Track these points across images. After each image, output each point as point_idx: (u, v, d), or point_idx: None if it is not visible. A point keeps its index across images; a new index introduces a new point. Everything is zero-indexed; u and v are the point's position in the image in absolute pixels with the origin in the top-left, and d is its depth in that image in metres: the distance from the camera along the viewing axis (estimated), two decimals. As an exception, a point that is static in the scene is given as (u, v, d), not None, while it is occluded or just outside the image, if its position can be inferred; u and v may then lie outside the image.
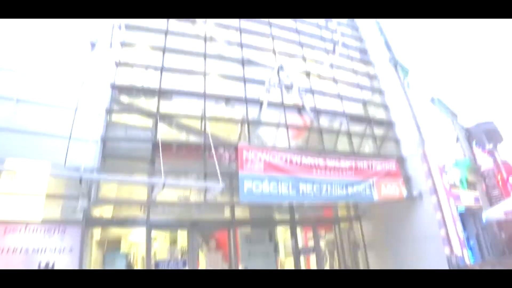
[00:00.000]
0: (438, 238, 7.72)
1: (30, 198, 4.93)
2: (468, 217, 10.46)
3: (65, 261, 4.85)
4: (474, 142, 14.71)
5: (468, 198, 10.63)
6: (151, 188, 5.56)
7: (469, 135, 14.96)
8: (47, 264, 4.72)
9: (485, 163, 14.94)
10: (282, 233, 8.53)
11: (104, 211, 5.95)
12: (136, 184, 5.76)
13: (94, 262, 5.78)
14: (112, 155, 5.50)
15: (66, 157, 4.58)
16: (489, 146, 19.00)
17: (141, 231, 6.32)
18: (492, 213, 7.81)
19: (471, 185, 12.20)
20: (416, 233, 8.08)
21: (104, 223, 6.06)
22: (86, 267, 5.12)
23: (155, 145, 5.48)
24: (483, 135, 20.51)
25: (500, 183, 14.09)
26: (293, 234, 7.64)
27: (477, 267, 8.12)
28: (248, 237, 6.96)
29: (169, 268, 6.11)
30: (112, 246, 6.43)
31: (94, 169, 4.86)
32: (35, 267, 4.64)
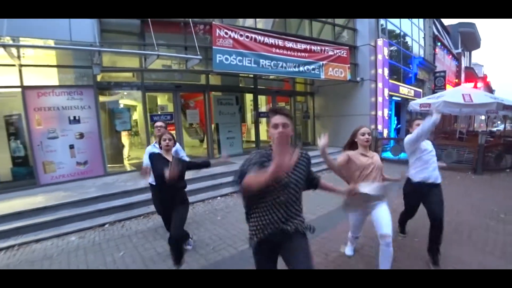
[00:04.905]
0: (369, 116, 10.11)
1: (47, 69, 6.17)
2: (404, 106, 12.78)
3: (86, 115, 6.40)
4: (438, 43, 15.77)
5: (408, 91, 12.69)
6: (143, 58, 6.87)
7: (438, 36, 15.79)
8: (75, 118, 6.28)
9: (444, 65, 16.42)
10: (248, 99, 10.78)
11: (106, 77, 7.14)
12: (132, 55, 6.83)
13: (106, 115, 7.57)
14: (108, 30, 6.20)
15: (70, 35, 5.19)
16: (457, 50, 19.94)
17: (136, 93, 8.04)
18: (413, 104, 9.47)
19: (419, 81, 14.14)
20: (353, 110, 10.39)
21: (109, 87, 7.36)
22: (101, 119, 6.79)
23: (143, 21, 6.27)
24: (458, 37, 20.90)
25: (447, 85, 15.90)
26: (255, 100, 9.84)
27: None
28: (220, 100, 8.92)
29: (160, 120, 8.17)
30: (115, 104, 8.05)
31: (97, 42, 5.52)
32: (67, 121, 6.19)
